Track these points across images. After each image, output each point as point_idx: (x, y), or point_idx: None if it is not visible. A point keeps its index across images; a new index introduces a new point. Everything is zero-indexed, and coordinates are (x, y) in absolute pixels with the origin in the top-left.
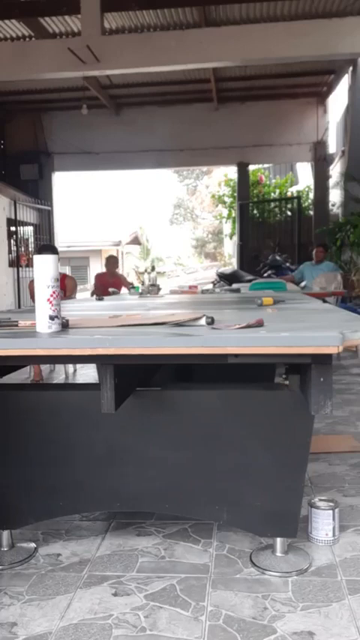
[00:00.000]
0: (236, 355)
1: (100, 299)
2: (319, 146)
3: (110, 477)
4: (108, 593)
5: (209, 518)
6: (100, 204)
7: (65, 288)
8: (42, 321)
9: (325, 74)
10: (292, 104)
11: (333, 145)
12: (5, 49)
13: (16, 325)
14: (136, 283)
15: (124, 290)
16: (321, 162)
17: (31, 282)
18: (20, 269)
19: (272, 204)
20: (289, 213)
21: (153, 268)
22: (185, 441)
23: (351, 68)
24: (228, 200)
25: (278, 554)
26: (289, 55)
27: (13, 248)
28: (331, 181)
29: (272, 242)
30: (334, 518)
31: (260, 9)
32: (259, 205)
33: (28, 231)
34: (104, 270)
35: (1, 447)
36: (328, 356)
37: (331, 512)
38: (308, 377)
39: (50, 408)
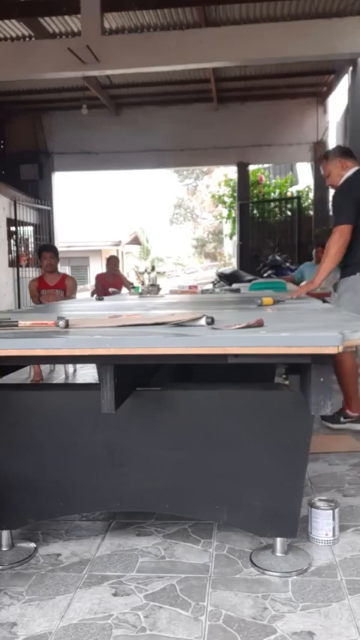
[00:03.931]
0: (236, 355)
1: (100, 299)
2: (319, 146)
3: (110, 477)
4: (108, 593)
5: (209, 518)
6: (100, 204)
7: (65, 288)
8: None
9: (325, 74)
10: (292, 104)
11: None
12: (5, 49)
13: (16, 325)
14: (136, 283)
15: (124, 290)
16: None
17: (31, 281)
18: (20, 269)
19: (272, 204)
20: (289, 213)
21: (153, 268)
22: (185, 441)
23: (351, 68)
24: (228, 200)
25: (278, 554)
26: (289, 55)
27: (13, 248)
28: None
29: (272, 242)
30: (334, 518)
31: (260, 9)
32: (259, 205)
33: (28, 231)
34: (104, 270)
35: (0, 447)
36: (328, 356)
37: (331, 512)
38: (308, 377)
39: (50, 408)
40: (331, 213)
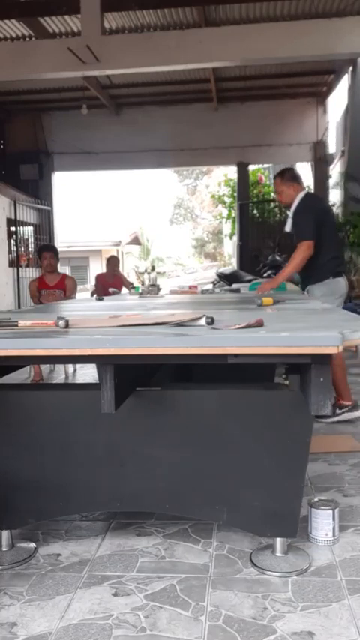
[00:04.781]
0: (236, 355)
1: (100, 299)
2: (319, 146)
3: (110, 477)
4: (108, 593)
5: (209, 518)
6: (100, 204)
7: (65, 288)
8: None
9: (325, 74)
10: (292, 104)
11: (333, 145)
12: (5, 49)
13: (16, 325)
14: (136, 283)
15: (124, 290)
16: (321, 162)
17: (31, 281)
18: (20, 269)
19: (272, 204)
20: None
21: (153, 268)
22: (185, 441)
23: (351, 68)
24: (228, 200)
25: (278, 554)
26: (289, 55)
27: (13, 248)
28: (331, 181)
29: (272, 242)
30: (334, 518)
31: (260, 9)
32: (259, 205)
33: (28, 231)
34: (104, 270)
35: (1, 446)
36: (328, 356)
37: (331, 512)
38: (308, 377)
39: (50, 408)
40: (287, 229)
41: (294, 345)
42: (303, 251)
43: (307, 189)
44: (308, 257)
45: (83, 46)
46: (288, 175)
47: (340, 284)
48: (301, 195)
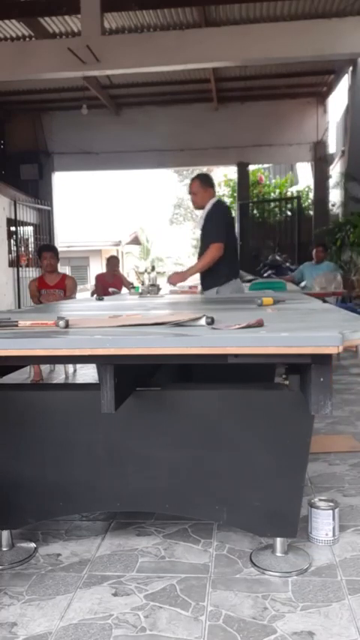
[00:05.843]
0: (236, 355)
1: (100, 299)
2: (319, 146)
3: (110, 477)
4: (108, 593)
5: (209, 518)
6: (100, 204)
7: (65, 288)
8: None
9: (325, 74)
10: (292, 104)
11: (333, 145)
12: (5, 49)
13: (16, 325)
14: (136, 283)
15: (124, 290)
16: (321, 162)
17: (31, 281)
18: (20, 269)
19: (272, 204)
20: (289, 213)
21: (153, 268)
22: (185, 441)
23: (351, 68)
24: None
25: (278, 554)
26: (289, 55)
27: (13, 248)
28: (331, 181)
29: (272, 242)
30: (334, 518)
31: (260, 9)
32: (259, 205)
33: (28, 231)
34: (104, 270)
35: (1, 446)
36: (328, 356)
37: (331, 512)
38: (308, 377)
39: (50, 408)
40: (198, 229)
41: (294, 345)
42: (213, 252)
43: (217, 196)
44: (218, 257)
45: (83, 46)
46: (206, 180)
47: (231, 287)
48: (214, 201)
